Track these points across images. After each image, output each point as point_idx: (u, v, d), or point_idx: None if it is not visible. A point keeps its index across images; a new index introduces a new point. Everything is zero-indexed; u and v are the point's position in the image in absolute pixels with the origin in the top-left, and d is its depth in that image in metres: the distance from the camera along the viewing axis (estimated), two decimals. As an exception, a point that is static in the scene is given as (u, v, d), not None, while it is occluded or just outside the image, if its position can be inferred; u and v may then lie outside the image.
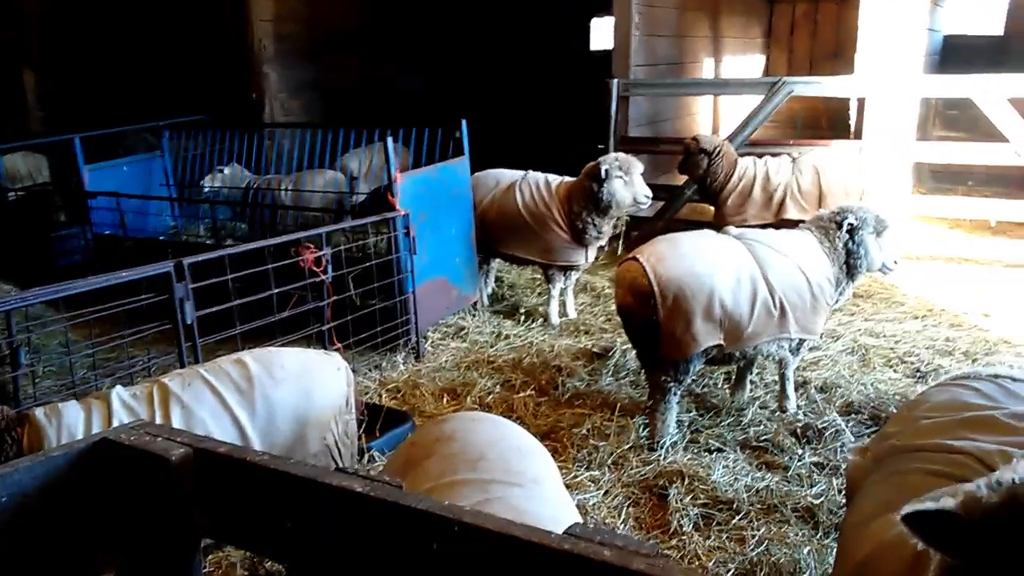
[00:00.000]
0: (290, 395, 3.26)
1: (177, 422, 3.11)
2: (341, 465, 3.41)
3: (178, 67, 10.80)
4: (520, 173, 6.88)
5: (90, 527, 1.60)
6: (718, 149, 7.31)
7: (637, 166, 6.27)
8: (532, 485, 2.22)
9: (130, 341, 4.52)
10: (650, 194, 6.33)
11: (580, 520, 2.25)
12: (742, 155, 7.56)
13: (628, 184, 6.22)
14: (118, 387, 3.26)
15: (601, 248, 7.00)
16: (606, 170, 6.17)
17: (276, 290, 4.93)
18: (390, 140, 5.84)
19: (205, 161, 8.22)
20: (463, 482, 2.23)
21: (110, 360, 5.46)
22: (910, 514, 1.36)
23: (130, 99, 10.15)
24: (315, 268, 5.10)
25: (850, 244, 4.75)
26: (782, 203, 7.21)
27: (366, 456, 4.54)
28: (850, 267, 4.80)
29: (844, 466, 4.20)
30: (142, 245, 7.25)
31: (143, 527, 1.59)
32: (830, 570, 3.46)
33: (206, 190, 7.82)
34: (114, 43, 11.05)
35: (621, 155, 6.38)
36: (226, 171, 7.92)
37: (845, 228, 4.72)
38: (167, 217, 8.30)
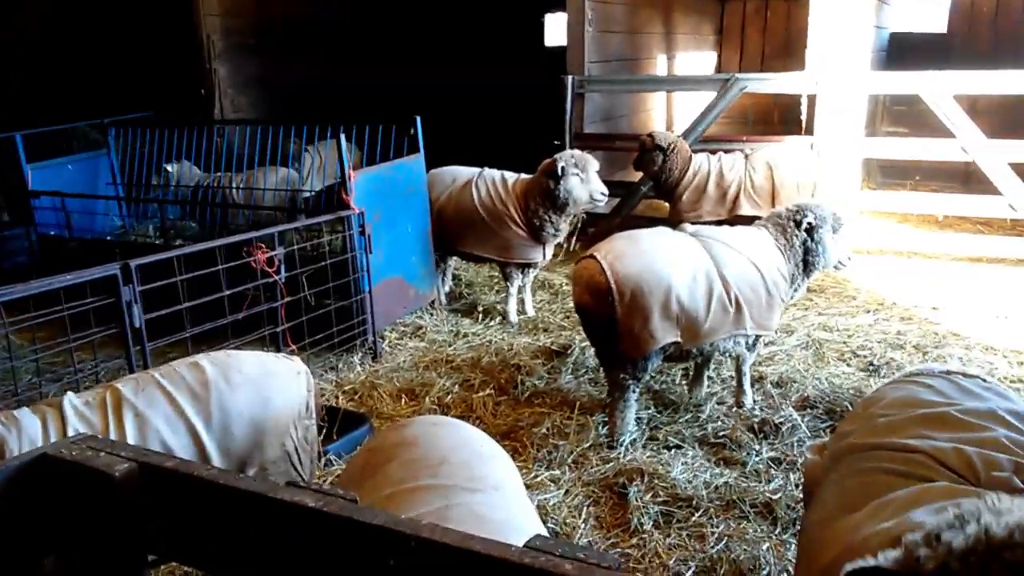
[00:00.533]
0: (247, 401, 3.17)
1: (130, 429, 3.02)
2: (301, 471, 3.34)
3: (124, 62, 10.53)
4: (476, 170, 6.83)
5: (32, 543, 1.53)
6: (672, 146, 7.35)
7: (593, 163, 6.27)
8: (493, 491, 2.19)
9: (76, 345, 4.38)
10: (606, 191, 6.33)
11: (541, 526, 2.23)
12: (696, 151, 7.61)
13: (584, 181, 6.21)
14: (69, 394, 3.15)
15: (559, 245, 6.99)
16: (562, 167, 6.15)
17: (228, 291, 4.83)
18: (343, 137, 5.75)
19: (153, 159, 8.02)
20: (425, 488, 2.19)
21: (56, 365, 5.30)
22: (852, 571, 1.43)
23: (74, 95, 9.87)
24: (268, 268, 5.00)
25: (808, 242, 4.80)
26: (736, 199, 7.28)
27: (323, 460, 4.46)
28: (807, 264, 4.85)
29: (801, 462, 4.25)
30: (89, 246, 7.05)
31: (87, 543, 1.53)
32: (789, 566, 3.49)
33: (171, 173, 7.67)
34: (58, 37, 10.75)
35: (577, 152, 6.37)
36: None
37: (804, 226, 4.77)
38: (115, 217, 8.08)
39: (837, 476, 2.20)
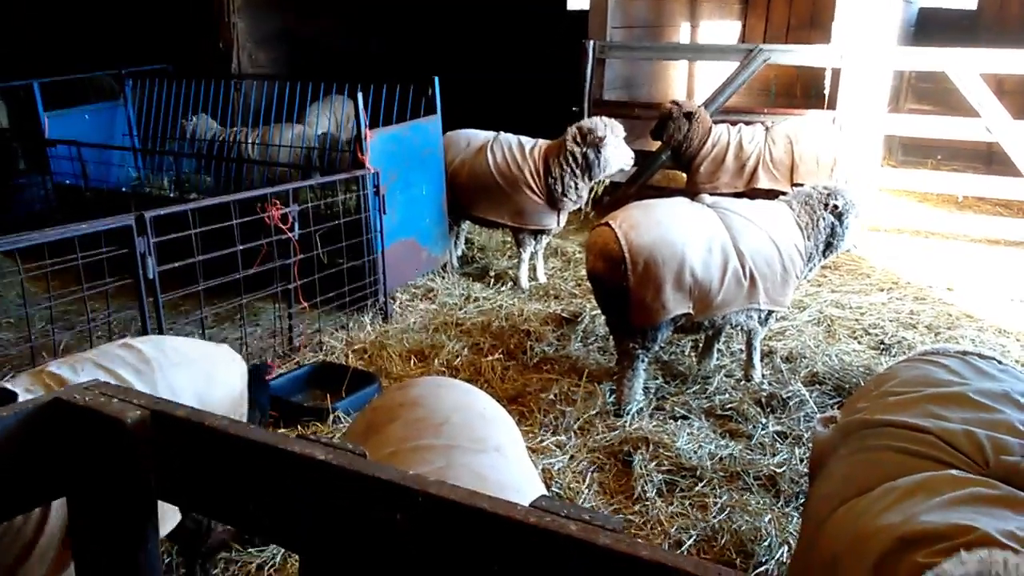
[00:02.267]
0: (191, 378, 2.98)
1: None
2: None
3: (143, 13, 10.46)
4: (491, 134, 6.79)
5: (44, 485, 1.55)
6: (695, 114, 7.28)
7: (621, 130, 6.30)
8: (494, 452, 2.20)
9: (90, 295, 4.41)
10: (634, 156, 6.35)
11: (543, 489, 2.24)
12: (716, 122, 7.53)
13: (617, 148, 6.23)
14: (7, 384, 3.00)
15: (575, 212, 6.98)
16: (598, 135, 6.15)
17: (241, 247, 4.83)
18: (360, 95, 5.71)
19: (171, 112, 8.01)
20: (426, 447, 2.19)
21: (69, 313, 5.35)
22: None
23: (92, 45, 9.83)
24: (281, 225, 5.01)
25: (836, 225, 4.79)
26: (754, 172, 7.21)
27: (331, 416, 4.50)
28: (828, 245, 4.85)
29: (808, 435, 4.26)
30: (103, 196, 7.07)
31: (98, 487, 1.55)
32: (790, 538, 3.51)
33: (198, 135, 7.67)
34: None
35: (608, 119, 6.33)
36: (196, 121, 7.73)
37: (830, 209, 4.75)
38: (130, 168, 8.09)
39: (846, 451, 2.20)
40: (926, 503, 1.81)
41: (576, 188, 6.40)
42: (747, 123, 7.61)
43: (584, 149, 6.22)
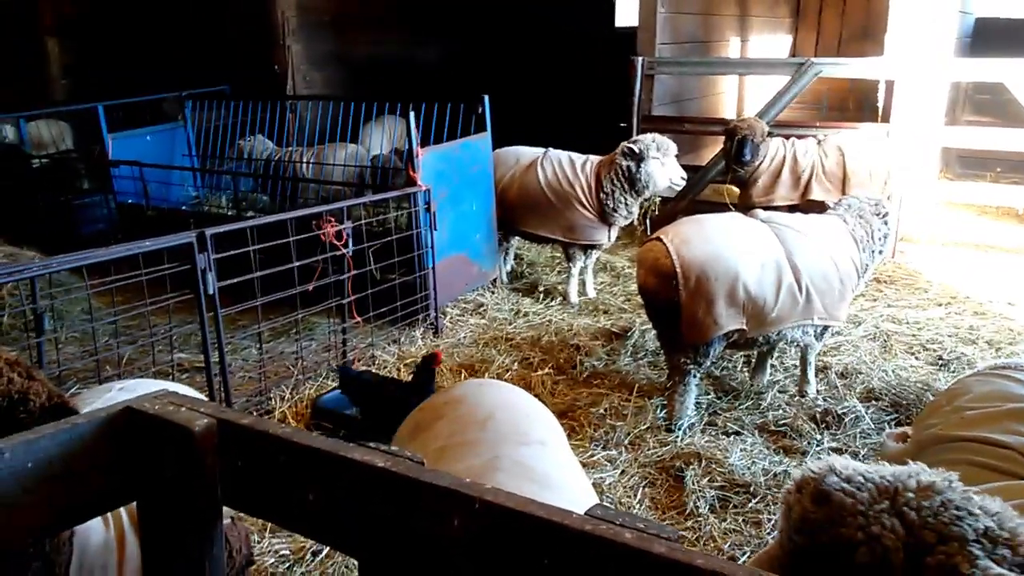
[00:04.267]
0: None
1: None
2: None
3: (202, 38, 10.77)
4: (540, 150, 6.84)
5: (116, 490, 1.62)
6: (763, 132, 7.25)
7: (673, 148, 6.29)
8: (539, 445, 2.24)
9: (152, 310, 4.55)
10: (685, 176, 6.36)
11: (586, 481, 2.30)
12: (767, 136, 7.47)
13: (664, 166, 6.22)
14: None
15: (625, 227, 6.98)
16: (642, 150, 6.16)
17: (297, 263, 4.94)
18: (412, 115, 5.81)
19: (228, 132, 8.23)
20: (473, 441, 2.25)
21: (132, 328, 5.51)
22: None
23: (153, 69, 10.15)
24: (336, 241, 5.10)
25: (887, 232, 4.81)
26: (808, 184, 7.15)
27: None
28: (878, 253, 4.86)
29: (865, 452, 4.19)
30: (164, 215, 7.28)
31: (167, 492, 1.60)
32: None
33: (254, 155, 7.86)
34: (138, 13, 11.04)
35: (658, 136, 6.35)
36: (252, 142, 7.93)
37: (880, 216, 4.75)
38: (189, 187, 8.33)
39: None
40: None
41: (626, 204, 6.41)
42: (799, 137, 7.55)
43: (628, 163, 6.25)
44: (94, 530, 2.21)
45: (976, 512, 1.25)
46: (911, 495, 1.28)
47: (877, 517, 1.26)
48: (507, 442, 2.22)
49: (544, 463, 2.16)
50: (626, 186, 6.32)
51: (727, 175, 7.58)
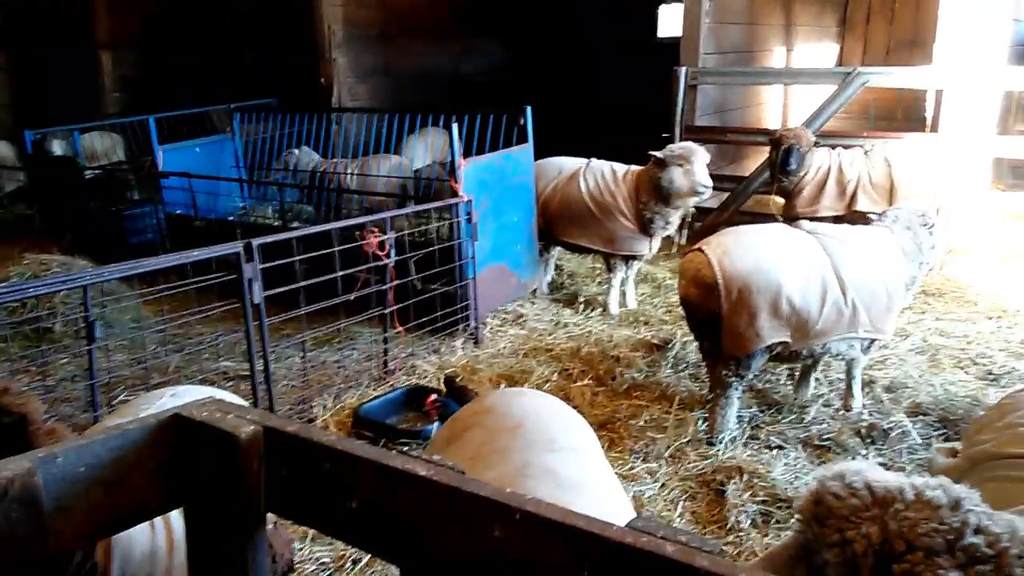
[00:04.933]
0: None
1: None
2: None
3: (249, 51, 10.99)
4: (583, 161, 6.85)
5: (165, 495, 1.65)
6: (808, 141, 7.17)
7: (699, 154, 6.20)
8: (570, 452, 2.25)
9: (199, 319, 4.63)
10: (709, 183, 6.24)
11: (620, 489, 2.30)
12: (814, 147, 7.38)
13: (687, 172, 6.14)
14: None
15: (667, 238, 6.94)
16: (663, 157, 6.14)
17: (341, 272, 5.00)
18: (455, 126, 5.85)
19: (275, 144, 8.37)
20: (504, 449, 2.27)
21: (179, 336, 5.62)
22: None
23: (203, 82, 10.38)
24: (379, 252, 5.16)
25: (933, 243, 4.74)
26: (854, 195, 7.05)
27: (425, 439, 4.59)
28: (921, 265, 4.78)
29: (912, 468, 4.11)
30: (212, 225, 7.42)
31: (213, 498, 1.63)
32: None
33: (291, 166, 7.96)
34: (189, 28, 11.31)
35: (685, 143, 6.34)
36: (298, 153, 8.04)
37: (929, 228, 4.68)
38: (236, 198, 8.48)
39: (973, 482, 2.14)
40: None
41: (660, 213, 6.36)
42: (845, 147, 7.45)
43: (654, 171, 6.24)
44: (137, 539, 2.22)
45: (967, 529, 1.29)
46: (901, 506, 1.35)
47: (858, 522, 1.36)
48: (536, 449, 2.23)
49: (575, 469, 2.17)
50: (655, 194, 6.29)
51: (772, 185, 7.49)
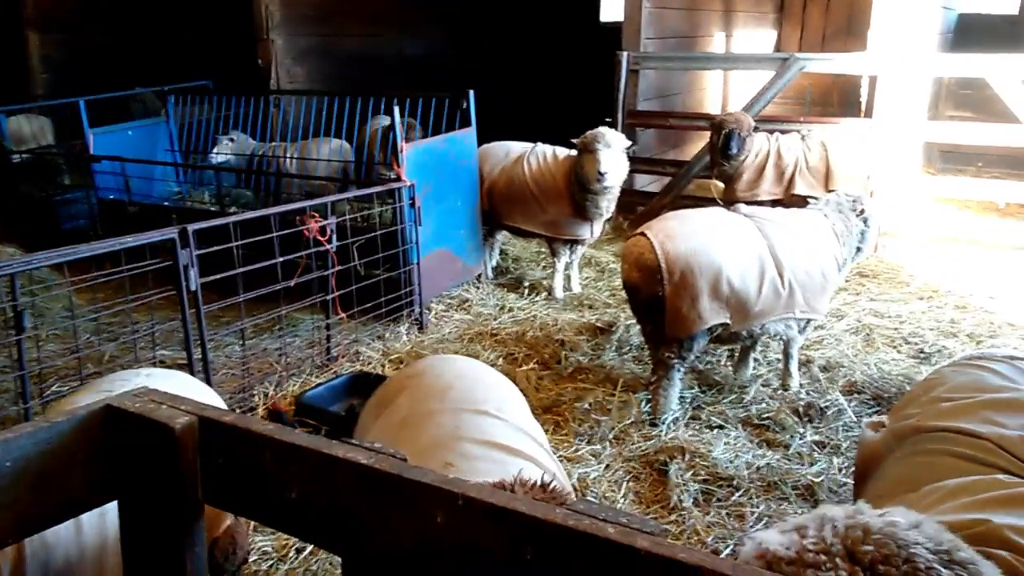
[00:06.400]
0: None
1: None
2: None
3: (183, 32, 10.70)
4: (529, 145, 6.84)
5: (97, 488, 1.60)
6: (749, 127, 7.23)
7: (606, 141, 6.05)
8: (497, 414, 2.35)
9: (134, 307, 4.51)
10: (607, 171, 6.01)
11: (546, 445, 2.41)
12: (753, 131, 7.49)
13: (590, 160, 6.09)
14: None
15: (606, 222, 6.96)
16: (577, 143, 6.21)
17: (281, 259, 4.91)
18: (396, 109, 5.79)
19: (211, 127, 8.17)
20: (435, 411, 2.35)
21: (114, 325, 5.47)
22: None
23: (135, 64, 10.07)
24: (320, 237, 5.08)
25: (865, 230, 4.84)
26: (792, 179, 7.18)
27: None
28: (856, 251, 4.91)
29: (847, 445, 4.23)
30: (146, 210, 7.23)
31: (148, 490, 1.59)
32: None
33: (219, 160, 7.74)
34: (121, 7, 10.95)
35: (600, 129, 6.19)
36: (234, 140, 7.85)
37: (860, 214, 4.79)
38: (172, 183, 8.26)
39: (900, 454, 2.21)
40: (960, 501, 1.81)
41: (587, 199, 6.31)
42: (783, 132, 7.58)
43: (574, 157, 6.29)
44: (62, 537, 2.08)
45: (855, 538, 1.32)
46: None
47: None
48: (467, 412, 2.32)
49: (505, 429, 2.27)
50: (576, 180, 6.29)
51: (713, 170, 7.54)
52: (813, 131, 7.52)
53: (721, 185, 7.56)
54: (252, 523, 3.58)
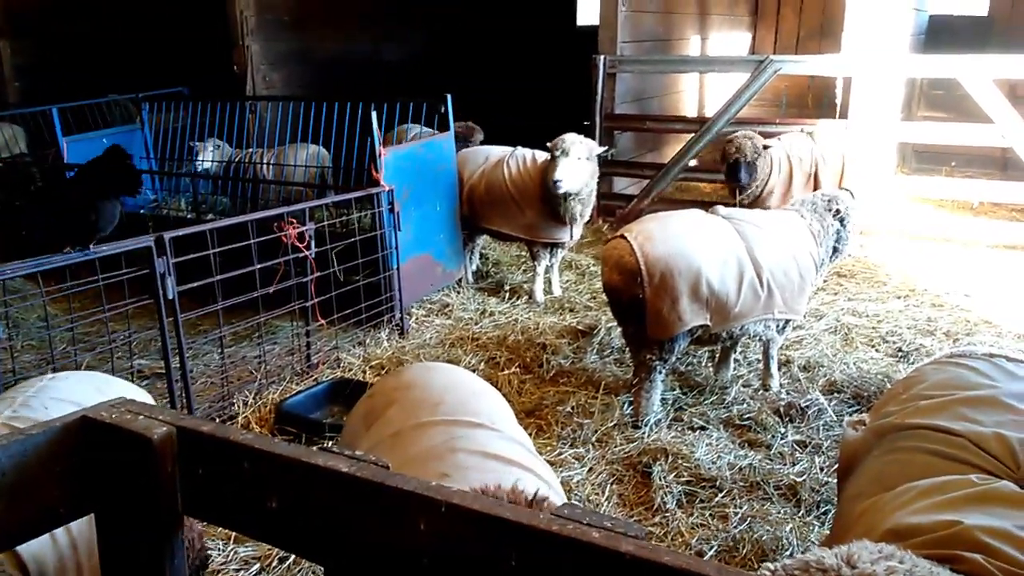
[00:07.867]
0: None
1: None
2: None
3: (158, 38, 10.60)
4: (509, 149, 6.84)
5: (73, 500, 1.58)
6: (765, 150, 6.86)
7: (566, 147, 6.04)
8: (490, 425, 2.37)
9: (110, 316, 4.46)
10: (559, 179, 5.98)
11: (535, 453, 2.41)
12: (728, 134, 7.52)
13: (551, 166, 6.09)
14: None
15: (586, 225, 6.96)
16: (548, 147, 6.18)
17: (259, 265, 4.88)
18: (374, 114, 5.76)
19: (186, 134, 8.10)
20: (429, 424, 2.35)
21: (90, 335, 5.41)
22: None
23: (109, 71, 9.97)
24: (298, 243, 5.05)
25: (840, 230, 4.87)
26: (816, 175, 7.14)
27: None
28: (834, 251, 4.95)
29: (828, 444, 4.25)
30: (121, 219, 7.12)
31: (125, 502, 1.57)
32: (812, 547, 3.49)
33: (204, 165, 7.66)
34: (93, 14, 10.84)
35: (563, 135, 6.16)
36: (219, 146, 7.77)
37: (835, 214, 4.83)
38: (148, 191, 8.17)
39: (879, 452, 2.22)
40: (932, 500, 1.82)
41: (559, 204, 6.28)
42: (762, 134, 7.60)
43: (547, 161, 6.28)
44: (45, 549, 2.06)
45: None
46: None
47: None
48: (461, 424, 2.33)
49: (500, 441, 2.29)
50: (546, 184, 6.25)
51: (735, 197, 6.87)
52: (816, 129, 7.56)
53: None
54: (234, 533, 3.55)
